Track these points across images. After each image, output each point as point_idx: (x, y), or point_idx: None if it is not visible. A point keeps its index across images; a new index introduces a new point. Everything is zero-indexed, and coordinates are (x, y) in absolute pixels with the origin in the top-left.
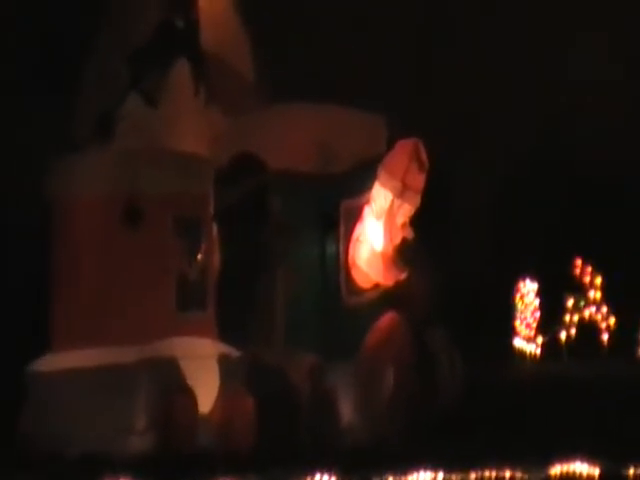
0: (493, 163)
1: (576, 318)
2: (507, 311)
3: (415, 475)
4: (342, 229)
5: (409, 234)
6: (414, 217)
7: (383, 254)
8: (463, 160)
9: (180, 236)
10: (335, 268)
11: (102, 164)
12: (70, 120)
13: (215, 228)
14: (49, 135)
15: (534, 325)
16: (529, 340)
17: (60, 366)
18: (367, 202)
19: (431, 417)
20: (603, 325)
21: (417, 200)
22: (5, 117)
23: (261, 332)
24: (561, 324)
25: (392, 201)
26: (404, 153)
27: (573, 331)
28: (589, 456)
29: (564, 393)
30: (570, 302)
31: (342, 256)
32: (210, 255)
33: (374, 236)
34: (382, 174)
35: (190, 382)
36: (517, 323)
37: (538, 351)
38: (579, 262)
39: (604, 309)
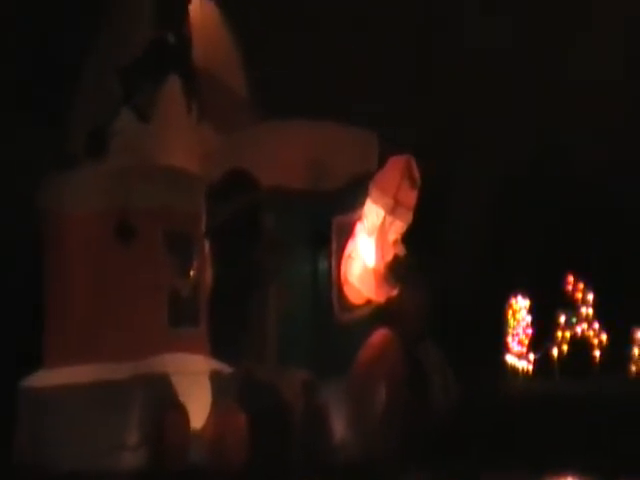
0: (486, 180)
1: (568, 334)
2: (499, 327)
3: None
4: (334, 245)
5: (401, 250)
6: (406, 233)
7: (375, 270)
8: (455, 176)
9: (172, 252)
10: (327, 284)
11: (95, 180)
12: (64, 135)
13: (207, 244)
14: (42, 151)
15: (526, 342)
16: (521, 357)
17: (52, 382)
18: (359, 219)
19: (423, 433)
20: (595, 341)
21: (409, 217)
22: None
23: (253, 348)
24: (553, 340)
25: (384, 218)
26: (396, 170)
27: (565, 347)
28: (581, 472)
29: (556, 409)
30: (562, 318)
31: (334, 272)
32: (202, 271)
33: (366, 252)
34: (374, 191)
35: (182, 398)
36: (509, 339)
37: (530, 367)
38: (571, 278)
39: (596, 325)
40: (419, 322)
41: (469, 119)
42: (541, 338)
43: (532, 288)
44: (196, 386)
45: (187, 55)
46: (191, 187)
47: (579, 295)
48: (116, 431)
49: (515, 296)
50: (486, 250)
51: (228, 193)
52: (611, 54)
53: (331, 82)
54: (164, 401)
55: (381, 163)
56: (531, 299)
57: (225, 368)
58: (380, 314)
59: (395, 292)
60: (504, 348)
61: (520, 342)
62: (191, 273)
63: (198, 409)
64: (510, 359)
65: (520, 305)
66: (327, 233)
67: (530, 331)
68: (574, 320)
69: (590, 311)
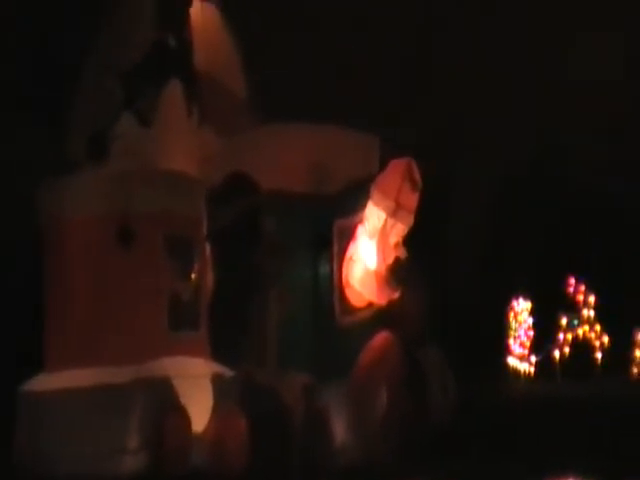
0: (486, 180)
1: (570, 337)
2: (500, 330)
3: None
4: (335, 248)
5: (402, 253)
6: (407, 236)
7: (376, 273)
8: (456, 176)
9: (173, 256)
10: (328, 288)
11: (96, 184)
12: (64, 137)
13: (208, 248)
14: (42, 151)
15: (528, 344)
16: (522, 359)
17: (53, 386)
18: (360, 221)
19: (424, 436)
20: (597, 344)
21: (410, 219)
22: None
23: (254, 352)
24: (554, 343)
25: (385, 220)
26: (397, 173)
27: (567, 350)
28: (582, 475)
29: (557, 412)
30: (563, 321)
31: (335, 275)
32: (203, 275)
33: (367, 255)
34: (375, 194)
35: (183, 402)
36: (511, 342)
37: (532, 370)
38: (572, 281)
39: (597, 328)
40: (420, 325)
41: (469, 119)
42: (543, 340)
43: (533, 290)
44: (197, 389)
45: (188, 59)
46: (192, 191)
47: (580, 297)
48: (117, 435)
49: (517, 298)
50: (486, 250)
51: (229, 197)
52: (611, 54)
53: (331, 82)
54: (165, 404)
55: (382, 166)
56: (533, 301)
57: (226, 371)
58: (381, 317)
59: (396, 295)
60: (506, 350)
61: (522, 344)
62: (192, 277)
63: (199, 412)
64: (512, 361)
65: (522, 307)
66: (328, 236)
67: (532, 333)
68: (575, 322)
69: (592, 313)
